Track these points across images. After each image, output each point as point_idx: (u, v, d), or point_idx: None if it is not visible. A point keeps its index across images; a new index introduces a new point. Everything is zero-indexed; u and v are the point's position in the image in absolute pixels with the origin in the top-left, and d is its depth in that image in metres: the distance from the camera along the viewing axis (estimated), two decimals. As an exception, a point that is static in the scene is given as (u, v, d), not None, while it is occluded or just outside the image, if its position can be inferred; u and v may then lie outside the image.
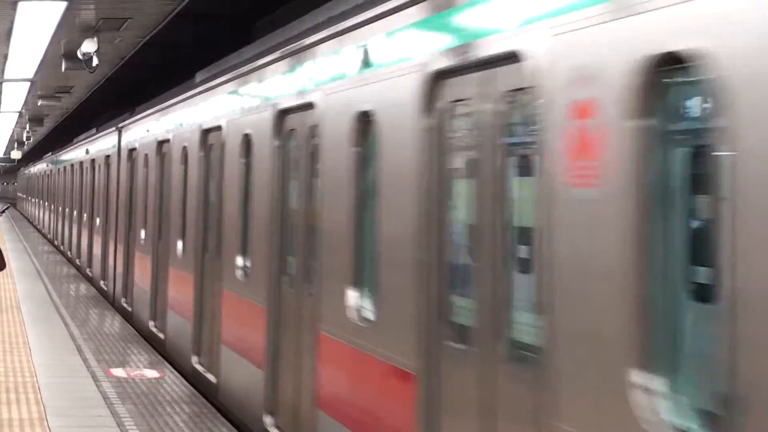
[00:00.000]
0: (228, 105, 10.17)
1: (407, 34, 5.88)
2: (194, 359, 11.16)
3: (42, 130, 38.47)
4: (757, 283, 3.14)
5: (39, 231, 44.05)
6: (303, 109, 7.78)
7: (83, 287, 20.80)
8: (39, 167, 47.68)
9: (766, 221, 3.16)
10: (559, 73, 4.18)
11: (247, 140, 9.34)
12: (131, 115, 17.27)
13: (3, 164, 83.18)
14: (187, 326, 11.59)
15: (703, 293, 3.54)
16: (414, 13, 5.77)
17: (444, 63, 5.28)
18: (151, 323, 14.11)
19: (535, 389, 4.30)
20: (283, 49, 8.40)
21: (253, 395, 8.69)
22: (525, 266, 4.61)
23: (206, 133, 11.12)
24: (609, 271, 3.83)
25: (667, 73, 3.68)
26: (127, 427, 8.87)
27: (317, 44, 7.47)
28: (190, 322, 11.47)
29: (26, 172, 61.93)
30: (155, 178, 14.02)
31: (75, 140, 29.19)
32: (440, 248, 5.40)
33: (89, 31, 14.03)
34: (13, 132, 39.25)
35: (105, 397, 9.98)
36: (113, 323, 15.58)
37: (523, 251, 4.66)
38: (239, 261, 9.52)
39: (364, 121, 6.40)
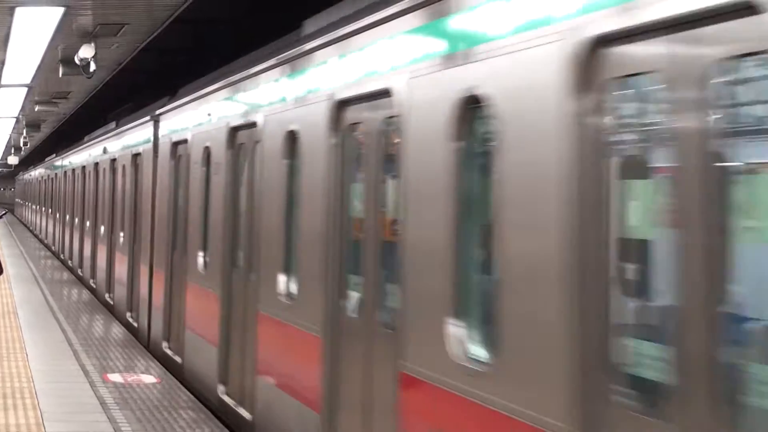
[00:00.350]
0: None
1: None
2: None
3: (39, 136, 38.41)
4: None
5: (39, 239, 41.36)
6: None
7: (80, 292, 20.78)
8: (40, 171, 44.18)
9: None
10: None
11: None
12: (171, 100, 13.62)
13: (0, 170, 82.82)
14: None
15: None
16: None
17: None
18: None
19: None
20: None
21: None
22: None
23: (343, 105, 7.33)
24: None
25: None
26: (125, 433, 8.88)
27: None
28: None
29: (25, 177, 59.28)
30: (228, 179, 10.07)
31: (86, 139, 25.65)
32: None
33: (86, 36, 14.02)
34: (10, 137, 39.22)
35: (102, 403, 9.98)
36: (110, 329, 15.58)
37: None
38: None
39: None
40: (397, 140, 6.02)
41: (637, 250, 4.05)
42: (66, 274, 25.08)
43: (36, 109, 25.30)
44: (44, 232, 39.72)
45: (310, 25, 8.27)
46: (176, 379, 11.60)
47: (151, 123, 14.55)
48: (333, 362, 6.99)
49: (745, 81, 3.65)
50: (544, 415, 4.30)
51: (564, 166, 4.20)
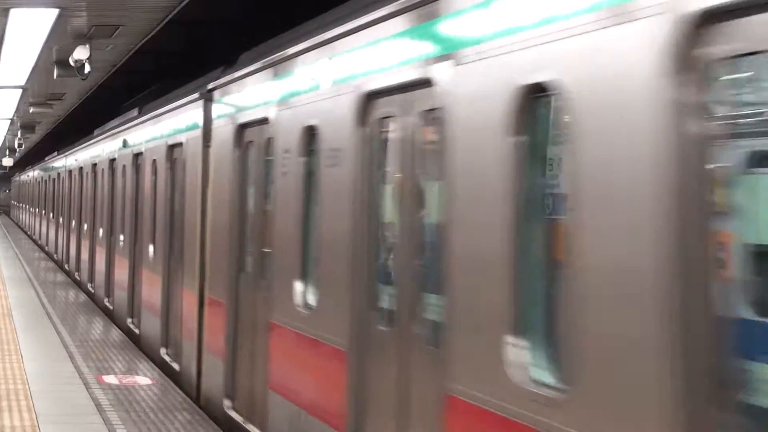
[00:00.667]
0: None
1: None
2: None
3: (34, 138, 38.38)
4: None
5: (39, 245, 37.67)
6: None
7: (74, 294, 20.75)
8: (38, 172, 40.03)
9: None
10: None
11: None
12: (228, 71, 10.18)
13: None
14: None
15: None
16: None
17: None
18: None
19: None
20: None
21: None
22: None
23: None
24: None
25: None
26: (120, 435, 8.87)
27: None
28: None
29: (21, 178, 55.80)
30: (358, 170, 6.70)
31: (97, 133, 22.06)
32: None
33: (81, 38, 14.01)
34: (4, 139, 39.17)
35: (97, 405, 9.97)
36: (105, 331, 15.55)
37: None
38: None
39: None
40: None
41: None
42: (62, 276, 25.03)
43: (31, 111, 25.27)
44: (45, 239, 35.55)
45: None
46: None
47: (200, 102, 10.82)
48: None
49: None
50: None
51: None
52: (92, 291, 20.45)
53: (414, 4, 5.71)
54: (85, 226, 22.20)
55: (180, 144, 11.93)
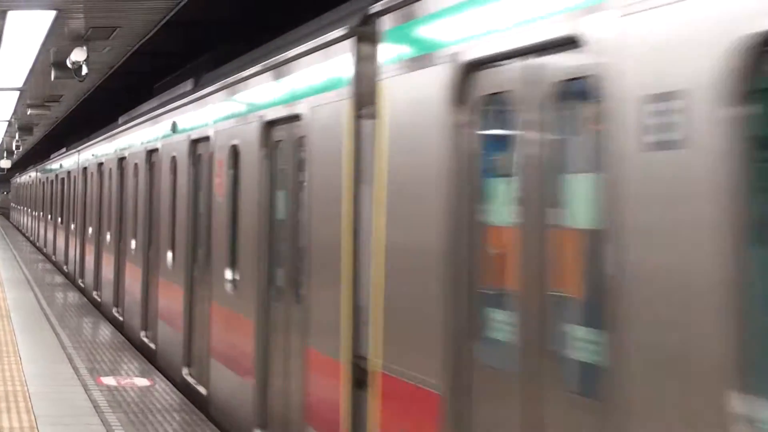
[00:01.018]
0: None
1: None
2: None
3: (31, 139, 38.41)
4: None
5: (42, 253, 34.19)
6: None
7: (73, 296, 20.74)
8: (45, 171, 35.65)
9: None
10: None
11: None
12: None
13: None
14: None
15: None
16: None
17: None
18: None
19: None
20: None
21: None
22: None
23: None
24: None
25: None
26: (118, 436, 8.88)
27: None
28: None
29: (22, 179, 52.36)
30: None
31: (121, 121, 18.34)
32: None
33: (78, 40, 14.03)
34: (2, 141, 39.18)
35: (96, 406, 9.98)
36: (103, 332, 15.56)
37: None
38: None
39: None
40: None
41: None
42: (59, 278, 25.01)
43: (28, 113, 25.30)
44: (51, 246, 31.29)
45: None
46: None
47: (350, 43, 6.49)
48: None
49: None
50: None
51: None
52: (121, 318, 16.30)
53: None
54: (109, 236, 17.89)
55: (296, 117, 7.59)
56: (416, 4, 5.56)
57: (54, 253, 30.10)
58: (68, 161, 27.07)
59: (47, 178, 34.02)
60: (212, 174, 10.20)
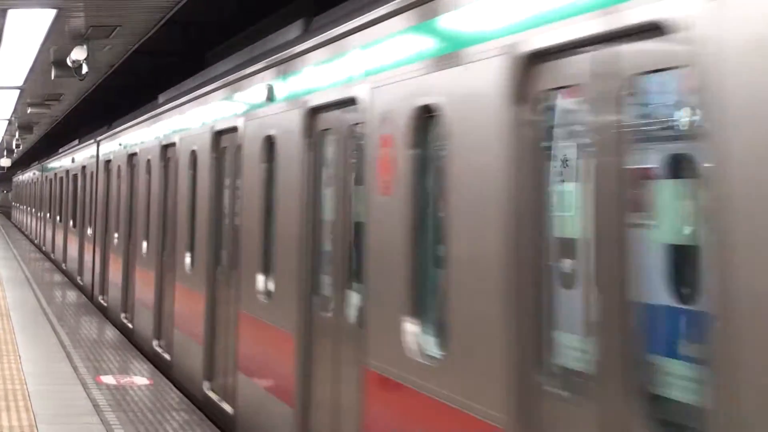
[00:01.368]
0: None
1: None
2: None
3: (31, 138, 38.40)
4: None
5: (47, 258, 30.34)
6: None
7: (72, 295, 20.74)
8: (53, 167, 31.63)
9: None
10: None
11: None
12: None
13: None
14: None
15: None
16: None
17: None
18: None
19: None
20: None
21: None
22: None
23: None
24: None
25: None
26: (117, 435, 8.87)
27: None
28: None
29: (25, 177, 49.61)
30: None
31: (163, 101, 14.37)
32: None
33: (79, 38, 14.02)
34: (2, 140, 39.17)
35: (95, 405, 9.97)
36: (102, 331, 15.56)
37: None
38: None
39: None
40: None
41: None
42: (59, 277, 24.97)
43: (28, 111, 25.30)
44: (61, 254, 26.93)
45: None
46: None
47: None
48: None
49: None
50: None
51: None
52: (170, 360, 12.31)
53: None
54: (146, 245, 14.00)
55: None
56: None
57: (64, 260, 26.13)
58: (82, 155, 23.44)
59: (56, 175, 29.96)
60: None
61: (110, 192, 18.12)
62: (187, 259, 11.37)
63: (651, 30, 3.51)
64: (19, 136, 34.15)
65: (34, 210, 40.53)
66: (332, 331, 6.85)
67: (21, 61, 16.76)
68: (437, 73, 5.16)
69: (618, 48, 3.77)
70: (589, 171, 3.99)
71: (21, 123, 30.40)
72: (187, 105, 12.01)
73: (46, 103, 23.48)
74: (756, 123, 2.99)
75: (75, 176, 24.69)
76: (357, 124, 6.38)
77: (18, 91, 21.36)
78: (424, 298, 5.37)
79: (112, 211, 17.72)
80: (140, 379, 11.51)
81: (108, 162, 18.72)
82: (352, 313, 6.52)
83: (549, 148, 4.35)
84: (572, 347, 4.06)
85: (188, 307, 11.21)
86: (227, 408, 9.36)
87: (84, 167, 22.79)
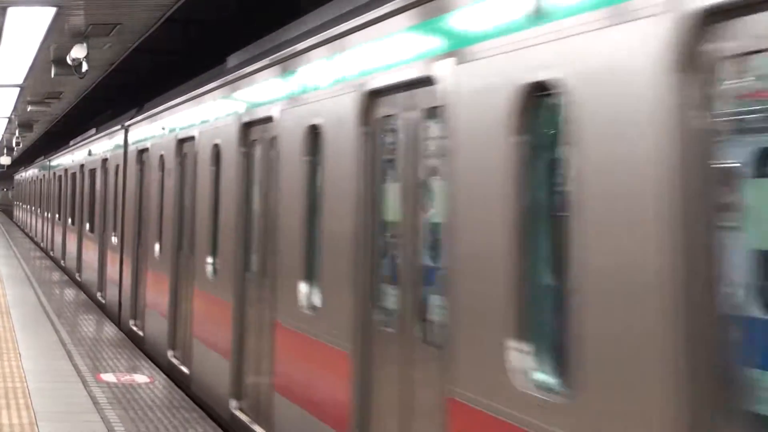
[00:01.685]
0: None
1: None
2: None
3: (31, 136, 38.40)
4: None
5: (58, 266, 26.88)
6: None
7: (72, 293, 20.74)
8: (63, 162, 28.34)
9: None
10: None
11: None
12: None
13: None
14: None
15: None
16: None
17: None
18: None
19: None
20: None
21: None
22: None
23: None
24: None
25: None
26: (118, 432, 8.88)
27: None
28: None
29: (27, 174, 47.31)
30: None
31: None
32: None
33: (79, 36, 14.03)
34: (2, 138, 39.18)
35: (95, 403, 9.98)
36: (103, 329, 15.56)
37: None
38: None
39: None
40: None
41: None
42: (58, 275, 24.94)
43: (28, 110, 25.30)
44: (75, 263, 23.42)
45: None
46: None
47: None
48: None
49: None
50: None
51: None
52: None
53: None
54: (213, 260, 10.37)
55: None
56: None
57: (78, 270, 22.90)
58: (99, 147, 20.06)
59: (68, 171, 26.47)
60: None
61: (147, 190, 14.15)
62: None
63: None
64: (19, 134, 34.16)
65: (40, 210, 36.89)
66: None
67: (21, 59, 16.76)
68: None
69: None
70: None
71: (21, 121, 30.40)
72: (292, 61, 8.05)
73: (46, 101, 23.48)
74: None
75: (92, 171, 21.08)
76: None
77: (18, 89, 21.36)
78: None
79: (151, 216, 13.71)
80: (141, 377, 11.51)
81: (142, 152, 14.76)
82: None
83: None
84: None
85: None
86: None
87: (105, 160, 18.84)
